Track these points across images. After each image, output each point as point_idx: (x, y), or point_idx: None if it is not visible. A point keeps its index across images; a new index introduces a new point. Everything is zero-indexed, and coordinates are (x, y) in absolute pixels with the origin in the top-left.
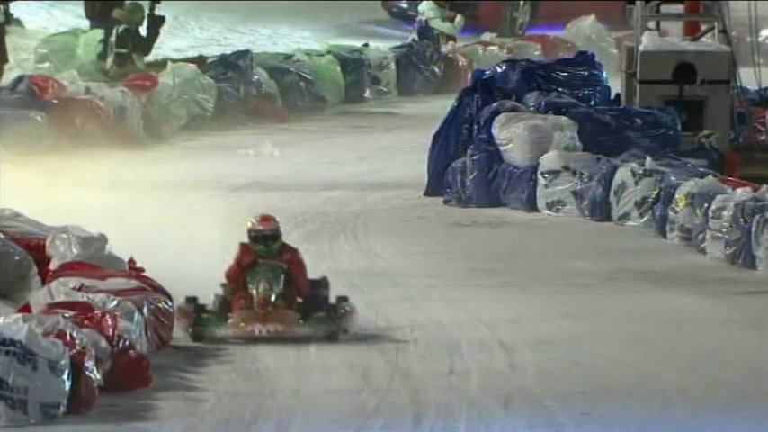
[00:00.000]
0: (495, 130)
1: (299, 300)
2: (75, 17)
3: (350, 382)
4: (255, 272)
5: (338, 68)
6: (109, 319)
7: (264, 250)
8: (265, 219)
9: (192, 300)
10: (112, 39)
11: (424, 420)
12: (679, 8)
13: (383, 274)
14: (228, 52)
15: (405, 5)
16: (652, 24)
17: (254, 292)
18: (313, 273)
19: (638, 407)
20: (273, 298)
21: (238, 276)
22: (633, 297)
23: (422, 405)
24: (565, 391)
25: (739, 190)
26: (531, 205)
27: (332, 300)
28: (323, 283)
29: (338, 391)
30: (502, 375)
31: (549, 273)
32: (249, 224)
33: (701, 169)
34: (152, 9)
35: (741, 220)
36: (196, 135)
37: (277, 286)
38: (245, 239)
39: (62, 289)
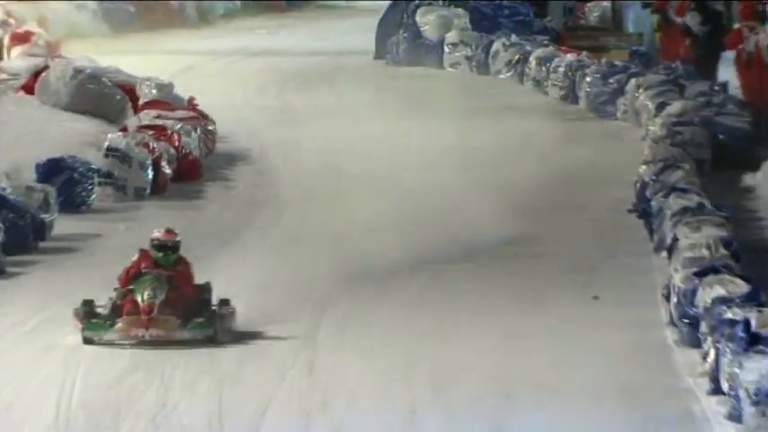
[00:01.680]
0: (417, 17)
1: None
2: None
3: (326, 174)
4: (142, 280)
5: None
6: (176, 136)
7: (163, 258)
8: (169, 232)
9: (86, 303)
10: None
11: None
12: None
13: (346, 107)
14: None
15: None
16: None
17: (140, 299)
18: (306, 101)
19: (498, 196)
20: (156, 304)
21: (126, 282)
22: (503, 122)
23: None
24: (461, 182)
25: (568, 55)
26: (440, 65)
27: (214, 303)
28: (206, 288)
29: (318, 180)
30: (422, 173)
31: (449, 107)
32: (155, 233)
33: (545, 42)
34: None
35: (570, 73)
36: (230, 21)
37: (161, 294)
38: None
39: (146, 117)
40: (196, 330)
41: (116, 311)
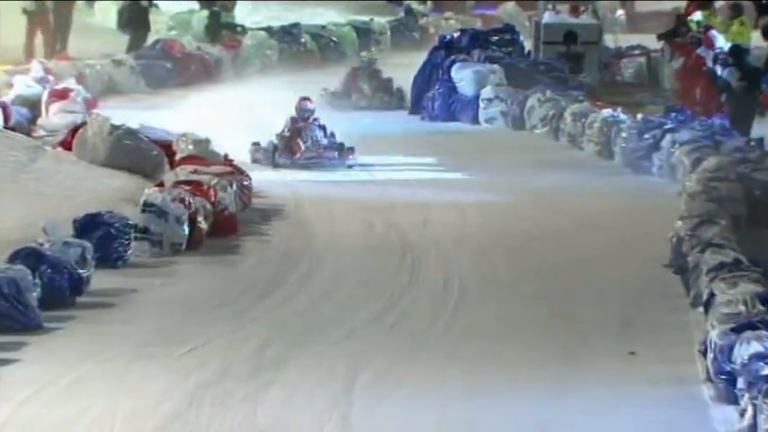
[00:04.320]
0: (453, 73)
1: None
2: (190, 1)
3: (359, 227)
4: None
5: (354, 34)
6: (212, 191)
7: None
8: None
9: None
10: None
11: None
12: None
13: (384, 161)
14: (286, 24)
15: None
16: (550, 5)
17: None
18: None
19: (539, 242)
20: None
21: None
22: (538, 176)
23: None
24: (495, 235)
25: (603, 110)
26: (475, 120)
27: None
28: None
29: (352, 233)
30: (455, 224)
31: (485, 161)
32: None
33: (580, 97)
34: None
35: (605, 129)
36: (265, 76)
37: None
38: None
39: (182, 172)
40: None
41: None
